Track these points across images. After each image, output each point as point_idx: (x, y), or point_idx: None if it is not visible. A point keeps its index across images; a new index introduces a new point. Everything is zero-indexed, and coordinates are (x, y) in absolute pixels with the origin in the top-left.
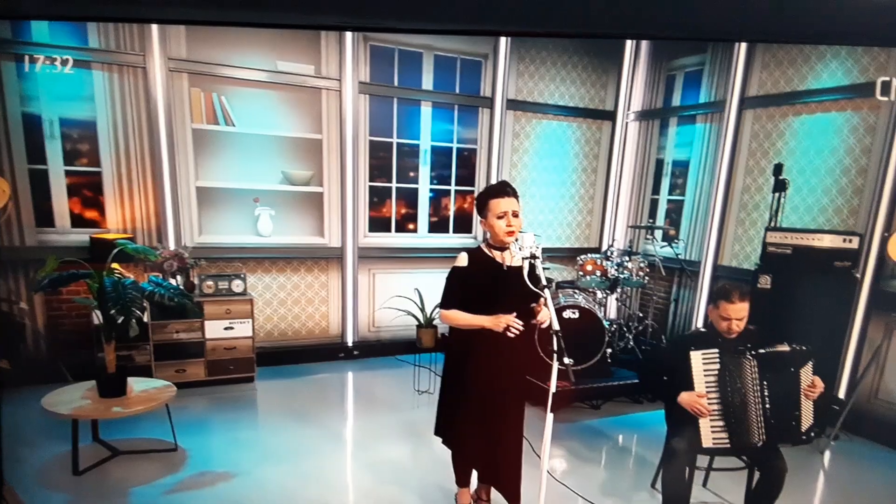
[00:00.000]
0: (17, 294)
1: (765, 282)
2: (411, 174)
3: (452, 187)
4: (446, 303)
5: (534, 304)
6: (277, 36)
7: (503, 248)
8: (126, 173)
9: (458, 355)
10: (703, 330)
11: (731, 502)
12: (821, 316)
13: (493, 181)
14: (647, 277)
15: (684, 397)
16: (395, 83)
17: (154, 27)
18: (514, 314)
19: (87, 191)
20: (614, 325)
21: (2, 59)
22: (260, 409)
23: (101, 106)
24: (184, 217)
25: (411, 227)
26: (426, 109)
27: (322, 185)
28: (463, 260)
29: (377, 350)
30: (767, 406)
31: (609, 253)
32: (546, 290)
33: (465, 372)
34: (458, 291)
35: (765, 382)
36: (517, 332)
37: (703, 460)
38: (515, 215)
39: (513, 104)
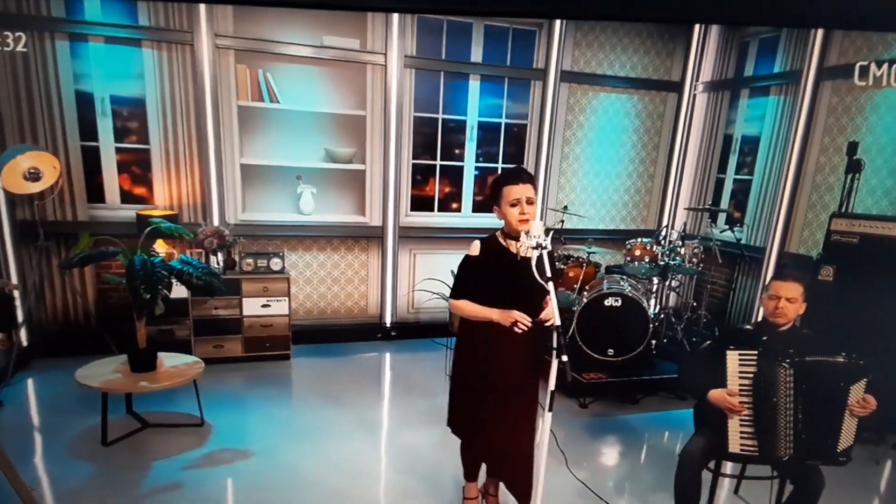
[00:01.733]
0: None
1: (827, 273)
2: (456, 151)
3: (499, 165)
4: (456, 292)
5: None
6: (323, 11)
7: (518, 237)
8: (173, 150)
9: (468, 347)
10: (748, 327)
11: None
12: (891, 313)
13: (544, 158)
14: (700, 265)
15: (714, 394)
16: (443, 56)
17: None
18: (527, 307)
19: (136, 167)
20: (662, 315)
21: (56, 38)
22: (291, 387)
23: (150, 83)
24: (228, 194)
25: (455, 206)
26: (474, 83)
27: (364, 163)
28: (475, 248)
29: (415, 331)
30: (800, 419)
31: (660, 237)
32: (550, 284)
33: (475, 364)
34: (470, 281)
35: (800, 394)
36: (525, 329)
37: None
38: (530, 202)
39: (568, 76)
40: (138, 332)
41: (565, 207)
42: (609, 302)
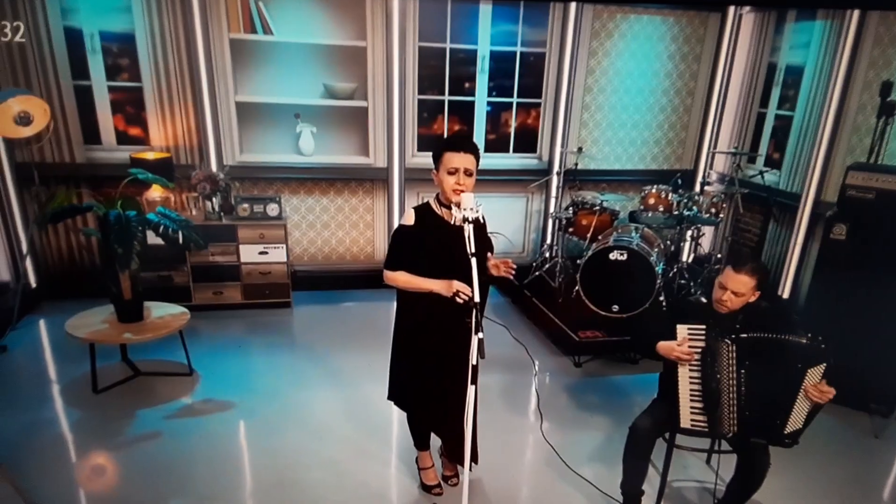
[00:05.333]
0: None
1: (839, 231)
2: (466, 85)
3: (514, 99)
4: (391, 264)
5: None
6: None
7: (450, 206)
8: (166, 88)
9: (409, 318)
10: (703, 300)
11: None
12: None
13: (564, 91)
14: (720, 214)
15: (662, 346)
16: None
17: None
18: (466, 276)
19: (130, 107)
20: (675, 269)
21: None
22: (290, 335)
23: (139, 17)
24: (224, 134)
25: None
26: (485, 7)
27: (366, 100)
28: (410, 218)
29: None
30: (743, 396)
31: (677, 183)
32: (473, 259)
33: (418, 335)
34: (405, 252)
35: (742, 371)
36: (466, 298)
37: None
38: (469, 174)
39: None
40: (122, 284)
41: (580, 149)
42: (614, 256)
